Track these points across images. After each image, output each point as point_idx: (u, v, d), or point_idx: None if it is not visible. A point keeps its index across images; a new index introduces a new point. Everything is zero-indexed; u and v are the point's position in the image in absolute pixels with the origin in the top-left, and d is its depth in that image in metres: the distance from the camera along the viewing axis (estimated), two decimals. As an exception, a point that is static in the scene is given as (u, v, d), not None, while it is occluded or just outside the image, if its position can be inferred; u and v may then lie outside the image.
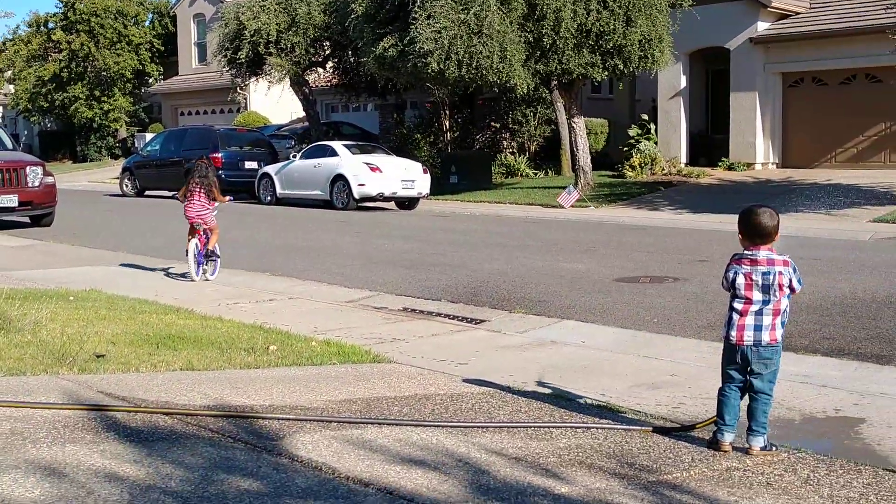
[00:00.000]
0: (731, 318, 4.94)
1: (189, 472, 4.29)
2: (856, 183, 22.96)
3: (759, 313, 4.89)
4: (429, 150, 31.98)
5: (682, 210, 21.35)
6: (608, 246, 15.15)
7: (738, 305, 4.91)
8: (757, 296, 4.88)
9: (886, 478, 4.58)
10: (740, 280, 4.90)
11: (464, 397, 6.04)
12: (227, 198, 13.07)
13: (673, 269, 12.15)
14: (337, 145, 24.91)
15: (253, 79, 33.06)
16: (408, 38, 21.62)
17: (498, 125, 32.05)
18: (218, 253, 12.08)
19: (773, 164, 27.01)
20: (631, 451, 4.94)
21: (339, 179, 23.42)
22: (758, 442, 4.90)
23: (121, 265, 13.08)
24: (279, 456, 4.62)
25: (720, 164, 27.14)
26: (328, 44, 31.37)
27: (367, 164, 23.22)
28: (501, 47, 21.20)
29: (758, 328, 4.89)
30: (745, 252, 4.94)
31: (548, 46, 21.78)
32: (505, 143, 32.18)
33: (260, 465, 4.45)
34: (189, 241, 11.87)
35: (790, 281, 4.88)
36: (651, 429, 5.34)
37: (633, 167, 27.25)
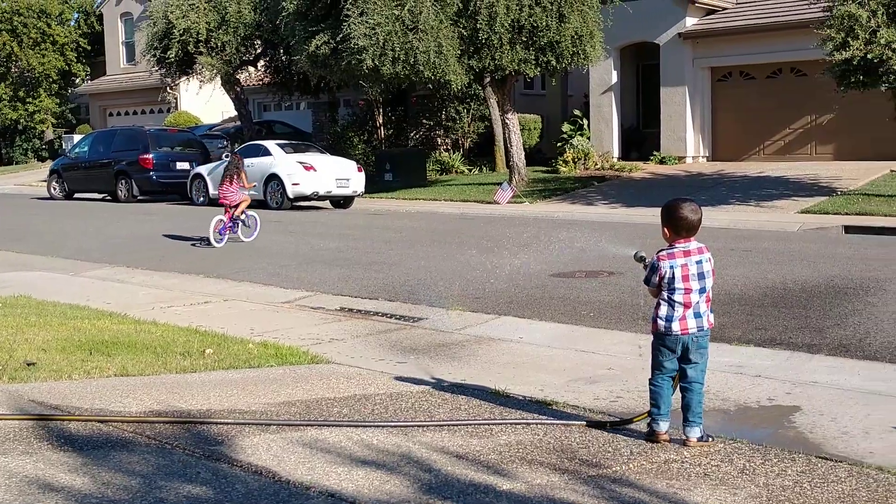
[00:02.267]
0: (672, 311, 4.99)
1: (127, 480, 4.22)
2: (784, 175, 23.40)
3: (698, 302, 4.99)
4: (363, 148, 31.89)
5: (616, 204, 21.55)
6: (543, 241, 15.24)
7: (680, 298, 4.98)
8: (695, 285, 4.98)
9: (819, 465, 4.68)
10: (678, 273, 4.98)
11: (403, 396, 6.04)
12: (252, 184, 17.11)
13: (608, 264, 12.26)
14: (270, 144, 24.71)
15: (183, 78, 32.64)
16: (341, 36, 21.50)
17: (432, 122, 32.06)
18: (249, 221, 16.01)
19: (703, 157, 27.41)
20: (571, 445, 4.98)
21: (273, 179, 23.24)
22: (695, 433, 4.97)
23: (48, 270, 12.82)
24: (218, 461, 4.57)
25: (652, 157, 27.47)
26: (259, 42, 31.10)
27: (301, 163, 23.07)
28: (437, 42, 21.21)
29: (698, 316, 5.00)
30: (676, 245, 5.02)
31: (482, 42, 21.83)
32: (439, 140, 32.21)
33: (199, 471, 4.40)
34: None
35: (713, 266, 5.07)
36: (585, 423, 5.39)
37: (566, 162, 27.46)
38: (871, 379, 6.53)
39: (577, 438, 5.11)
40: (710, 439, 5.01)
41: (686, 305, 4.98)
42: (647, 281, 5.10)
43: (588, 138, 28.33)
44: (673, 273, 4.98)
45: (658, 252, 5.08)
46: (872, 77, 17.85)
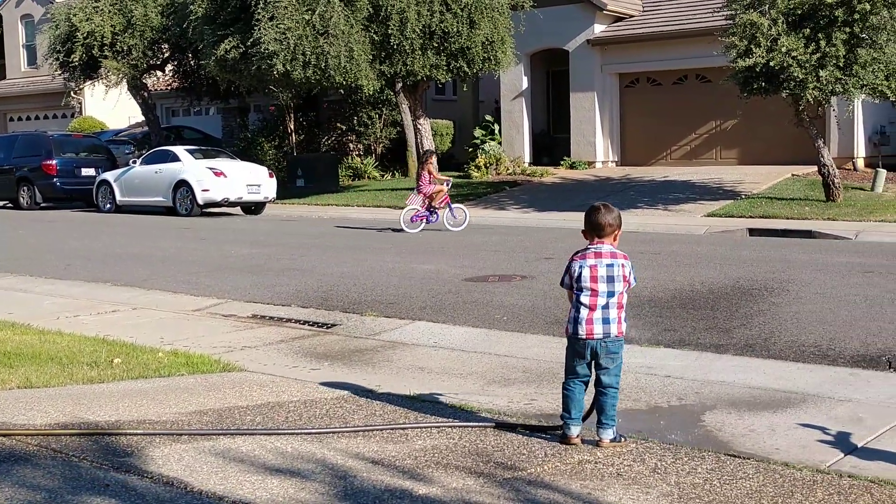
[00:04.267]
0: (578, 313, 5.06)
1: (32, 495, 4.10)
2: (690, 179, 23.90)
3: (606, 307, 5.03)
4: (274, 154, 31.60)
5: (528, 209, 21.76)
6: (457, 246, 15.29)
7: (585, 300, 5.04)
8: (602, 287, 5.03)
9: (728, 462, 4.78)
10: (586, 273, 5.04)
11: (317, 403, 5.99)
12: (445, 178, 18.41)
13: (520, 267, 12.37)
14: (179, 150, 24.34)
15: (88, 83, 31.95)
16: (251, 40, 21.30)
17: (344, 128, 31.94)
18: (456, 213, 17.82)
19: (612, 162, 27.85)
20: (486, 448, 4.99)
21: (183, 185, 22.90)
22: (608, 434, 5.03)
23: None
24: (128, 473, 4.47)
25: (562, 162, 27.80)
26: (167, 46, 30.63)
27: (210, 168, 22.78)
28: (348, 47, 21.15)
29: (605, 321, 5.03)
30: (590, 246, 5.09)
31: (394, 47, 21.84)
32: (351, 145, 32.10)
33: (108, 484, 4.29)
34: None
35: (629, 274, 5.07)
36: (493, 425, 5.41)
37: (478, 167, 27.63)
38: (776, 377, 6.70)
39: (492, 441, 5.13)
40: (623, 440, 5.07)
41: (591, 308, 5.03)
42: (561, 282, 5.16)
43: (500, 143, 28.55)
44: (581, 272, 5.05)
45: (576, 251, 5.16)
46: (774, 84, 18.36)
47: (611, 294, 5.03)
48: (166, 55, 31.37)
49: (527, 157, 28.76)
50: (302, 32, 20.88)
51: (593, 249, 5.09)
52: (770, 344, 7.74)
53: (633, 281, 5.10)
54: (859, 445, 5.14)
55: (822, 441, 5.22)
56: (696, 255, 13.40)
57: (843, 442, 5.20)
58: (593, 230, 5.10)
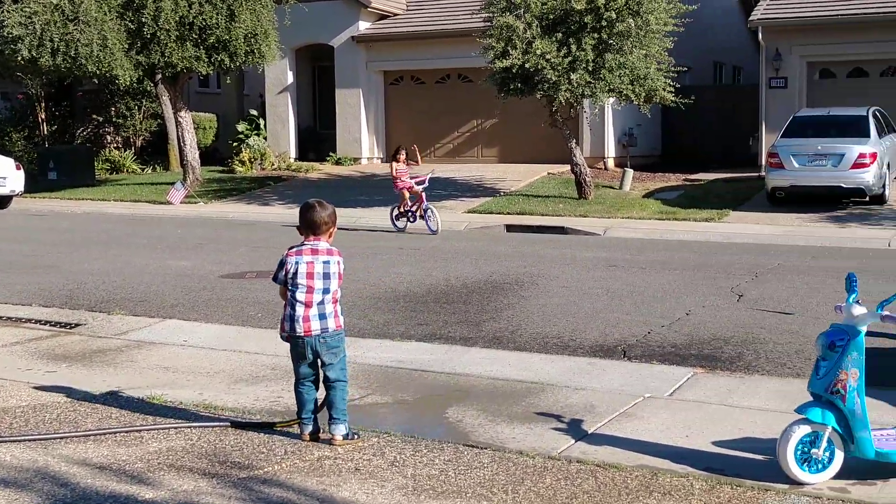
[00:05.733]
0: (294, 311, 5.02)
1: None
2: (453, 176, 24.38)
3: (322, 303, 5.03)
4: (23, 145, 29.80)
5: (292, 204, 21.49)
6: (216, 242, 14.95)
7: (301, 296, 5.02)
8: (319, 284, 5.03)
9: (466, 453, 4.88)
10: (302, 269, 5.03)
11: (48, 407, 5.66)
12: (426, 175, 17.42)
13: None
14: (-88, 139, 22.53)
15: None
16: (-7, 23, 19.96)
17: (101, 119, 30.53)
18: (427, 213, 16.46)
19: (377, 158, 28.03)
20: (224, 449, 4.87)
21: (-85, 177, 21.21)
22: (339, 430, 4.98)
23: None
24: None
25: (329, 158, 27.73)
26: None
27: (-51, 159, 21.21)
28: (101, 35, 20.20)
29: (322, 317, 5.02)
30: (306, 243, 5.08)
31: (149, 37, 21.06)
32: (109, 137, 30.74)
33: None
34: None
35: (342, 270, 5.12)
36: (228, 424, 5.29)
37: (242, 162, 27.13)
38: (520, 369, 6.92)
39: (231, 441, 5.01)
40: (357, 437, 5.04)
41: (307, 305, 5.02)
42: (275, 278, 5.13)
43: (265, 138, 28.16)
44: (297, 269, 5.03)
45: (290, 247, 5.13)
46: (529, 85, 19.00)
47: (326, 291, 5.04)
48: None
49: (293, 153, 28.49)
50: (50, 18, 19.75)
51: (310, 246, 5.09)
52: (517, 336, 8.00)
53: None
54: (590, 432, 5.39)
55: (556, 429, 5.43)
56: (455, 250, 13.68)
57: (575, 429, 5.43)
58: (309, 227, 5.11)
